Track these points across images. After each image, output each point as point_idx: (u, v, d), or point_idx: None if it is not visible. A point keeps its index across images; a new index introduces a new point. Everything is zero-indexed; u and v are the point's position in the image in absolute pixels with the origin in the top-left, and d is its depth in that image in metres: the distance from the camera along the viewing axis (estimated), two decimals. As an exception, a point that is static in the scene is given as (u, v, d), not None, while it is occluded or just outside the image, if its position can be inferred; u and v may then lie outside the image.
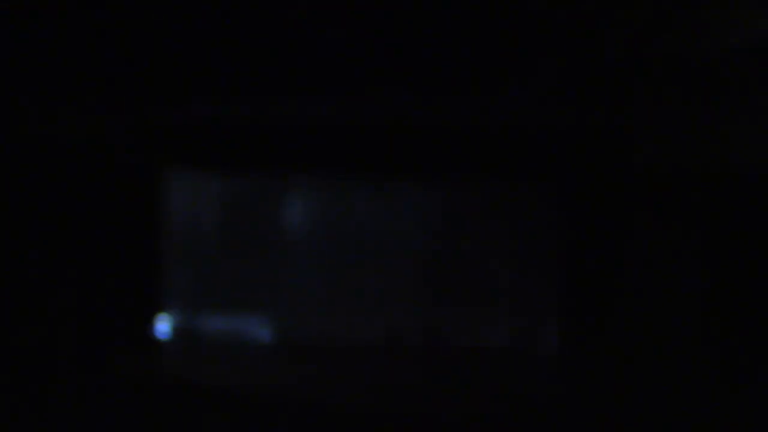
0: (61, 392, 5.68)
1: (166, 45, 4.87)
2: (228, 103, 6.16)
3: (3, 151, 6.11)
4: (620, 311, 5.94)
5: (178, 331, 7.07)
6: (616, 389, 5.82)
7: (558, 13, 4.27)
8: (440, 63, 4.87)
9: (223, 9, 4.44)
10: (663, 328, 5.64)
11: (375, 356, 6.63)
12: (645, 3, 4.30)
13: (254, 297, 6.96)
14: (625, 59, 4.86)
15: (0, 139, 6.08)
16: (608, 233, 6.04)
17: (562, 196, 6.44)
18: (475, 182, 6.64)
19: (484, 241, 6.64)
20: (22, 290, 6.12)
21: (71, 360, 5.98)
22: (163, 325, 7.08)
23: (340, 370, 6.33)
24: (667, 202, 5.62)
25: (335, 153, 6.51)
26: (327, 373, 6.27)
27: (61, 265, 6.20)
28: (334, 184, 6.85)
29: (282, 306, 6.91)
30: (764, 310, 5.37)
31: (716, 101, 5.31)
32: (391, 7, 4.22)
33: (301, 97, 5.78)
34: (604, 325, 6.07)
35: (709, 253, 5.47)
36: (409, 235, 6.75)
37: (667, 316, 5.63)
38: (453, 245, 6.69)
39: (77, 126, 6.30)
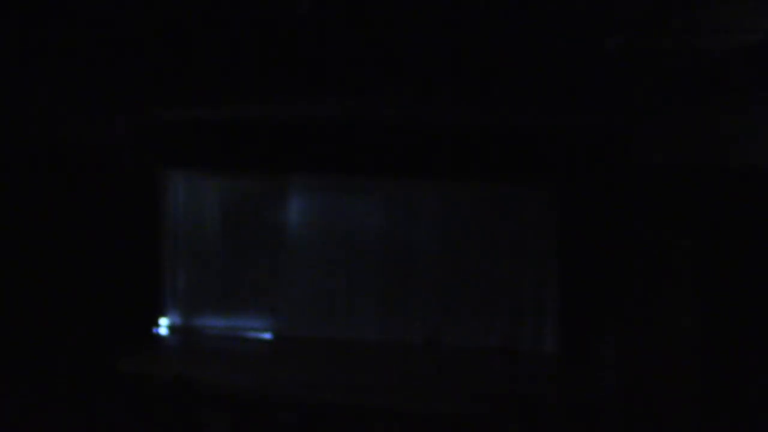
0: (63, 390, 5.72)
1: (167, 48, 4.89)
2: (228, 105, 6.17)
3: (4, 153, 6.14)
4: (620, 311, 5.95)
5: (178, 330, 7.11)
6: (615, 388, 5.84)
7: (557, 14, 4.27)
8: (440, 66, 4.88)
9: (223, 11, 4.44)
10: (662, 327, 5.65)
11: (373, 355, 6.66)
12: (645, 3, 4.29)
13: (253, 297, 6.99)
14: (624, 60, 4.86)
15: (1, 141, 6.10)
16: (608, 233, 6.05)
17: (562, 197, 6.45)
18: (474, 184, 6.65)
19: (484, 241, 6.66)
20: (23, 291, 6.16)
21: (73, 359, 6.01)
22: (164, 325, 7.12)
23: (339, 369, 6.36)
24: (666, 201, 5.61)
25: (334, 154, 6.53)
26: (325, 372, 6.30)
27: (62, 265, 6.23)
28: (333, 185, 6.87)
29: (280, 305, 6.94)
30: (764, 308, 5.37)
31: (715, 101, 5.31)
32: (390, 8, 4.21)
33: (300, 99, 5.79)
34: (603, 324, 6.08)
35: (709, 251, 5.46)
36: (409, 236, 6.78)
37: (667, 315, 5.63)
38: (453, 246, 6.71)
39: (78, 128, 6.32)
